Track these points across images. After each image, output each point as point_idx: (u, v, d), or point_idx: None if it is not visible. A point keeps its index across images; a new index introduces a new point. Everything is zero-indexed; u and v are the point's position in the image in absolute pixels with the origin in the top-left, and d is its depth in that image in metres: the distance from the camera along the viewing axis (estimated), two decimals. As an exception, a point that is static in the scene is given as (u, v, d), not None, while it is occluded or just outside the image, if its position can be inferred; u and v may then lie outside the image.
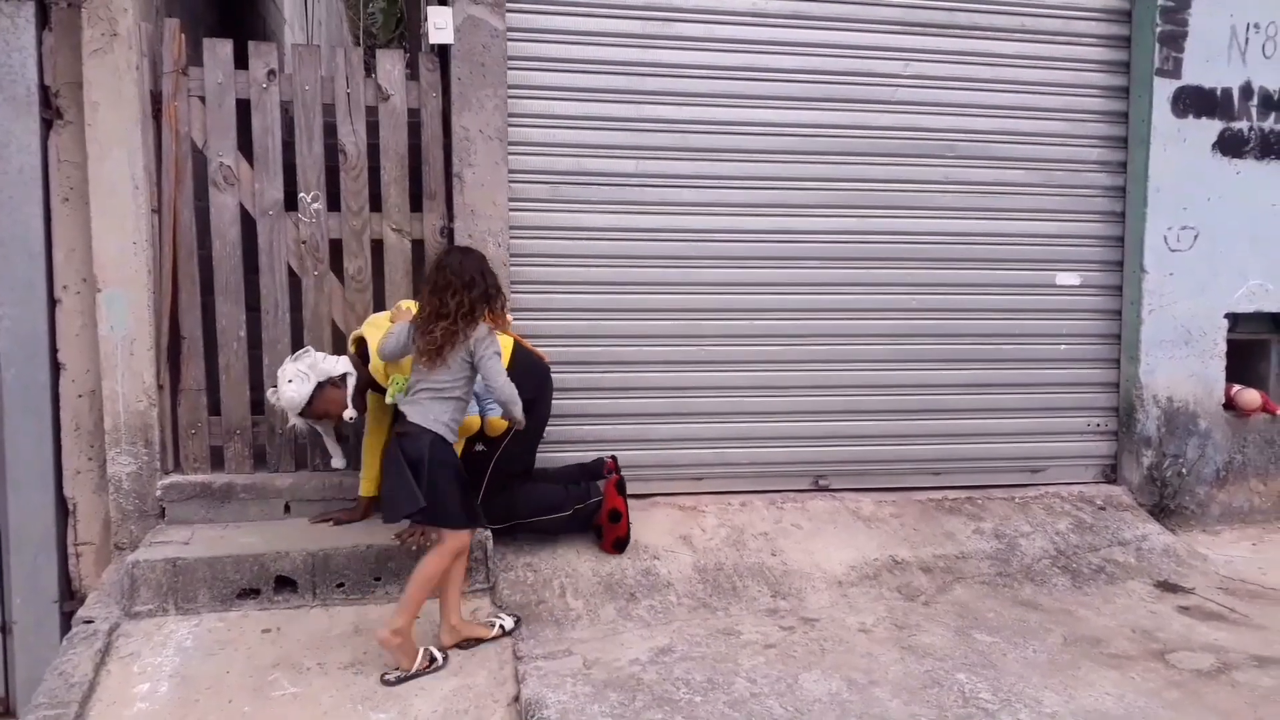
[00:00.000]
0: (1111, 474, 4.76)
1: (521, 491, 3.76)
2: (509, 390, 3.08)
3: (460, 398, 3.09)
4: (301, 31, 9.43)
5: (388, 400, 3.39)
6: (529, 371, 3.74)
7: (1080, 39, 4.61)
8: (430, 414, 3.02)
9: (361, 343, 3.51)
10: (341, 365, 3.44)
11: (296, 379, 3.34)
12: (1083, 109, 4.62)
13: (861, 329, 4.49)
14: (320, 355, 3.46)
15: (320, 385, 3.36)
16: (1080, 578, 3.94)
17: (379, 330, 3.47)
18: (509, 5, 4.07)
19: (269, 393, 3.54)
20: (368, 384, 3.50)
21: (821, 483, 4.50)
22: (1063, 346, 4.69)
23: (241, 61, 3.87)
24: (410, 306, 3.38)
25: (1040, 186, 4.61)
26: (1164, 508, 4.58)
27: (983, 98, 4.52)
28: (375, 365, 3.40)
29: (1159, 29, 4.49)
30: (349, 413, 3.42)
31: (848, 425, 4.51)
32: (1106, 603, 3.71)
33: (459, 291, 2.97)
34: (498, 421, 3.55)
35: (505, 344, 3.67)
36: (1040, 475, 4.70)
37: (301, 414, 3.40)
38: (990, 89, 4.53)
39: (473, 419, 3.49)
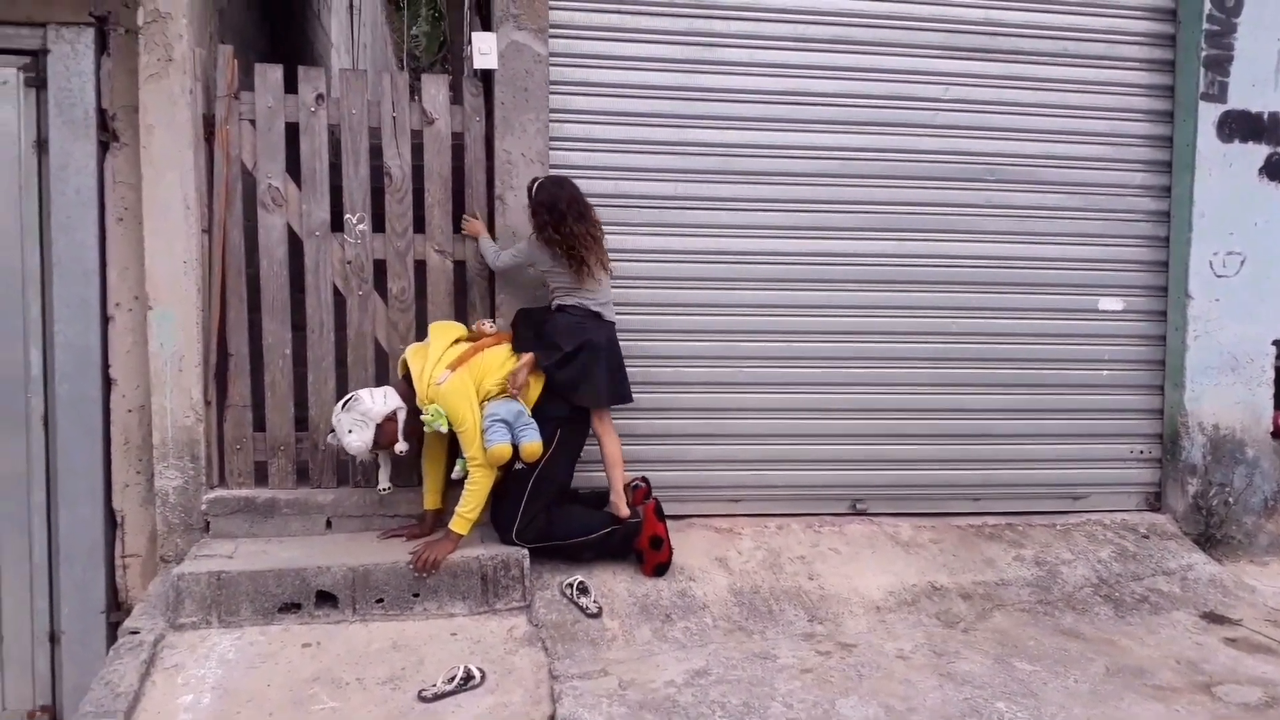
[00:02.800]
0: (1155, 502, 4.68)
1: (558, 512, 3.78)
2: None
3: None
4: (347, 55, 9.63)
5: (426, 429, 3.53)
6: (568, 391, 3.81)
7: (1124, 63, 4.58)
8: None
9: (406, 368, 3.64)
10: (390, 400, 3.60)
11: (356, 428, 3.53)
12: (1126, 133, 4.59)
13: (901, 352, 4.48)
14: (368, 396, 3.59)
15: (378, 426, 3.54)
16: (1123, 607, 3.87)
17: (422, 359, 3.59)
18: (552, 31, 4.13)
19: (329, 437, 3.71)
20: (414, 410, 3.61)
21: (859, 507, 4.47)
22: (1105, 372, 4.64)
23: (291, 86, 3.96)
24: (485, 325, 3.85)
25: (1083, 211, 4.57)
26: (1210, 537, 4.50)
27: (1024, 122, 4.51)
28: (421, 395, 3.53)
29: (1204, 53, 4.45)
30: (400, 446, 3.61)
31: (887, 449, 4.48)
32: (1150, 633, 3.65)
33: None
34: (533, 447, 3.59)
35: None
36: (1082, 502, 4.64)
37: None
38: (1032, 113, 4.51)
39: (502, 448, 3.53)
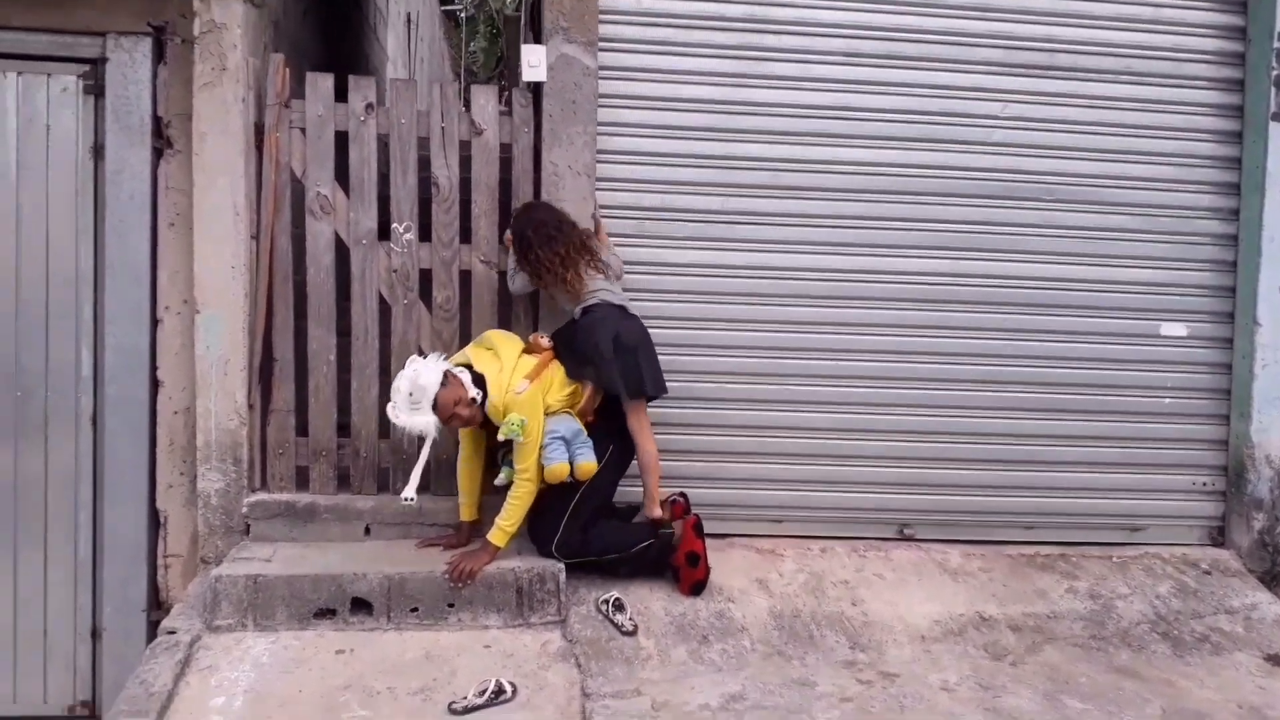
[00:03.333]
0: (1218, 537, 4.49)
1: (597, 528, 3.73)
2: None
3: None
4: (404, 68, 9.75)
5: (501, 437, 3.47)
6: (619, 409, 3.76)
7: (1191, 81, 4.43)
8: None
9: (481, 380, 3.51)
10: (435, 365, 3.41)
11: (415, 411, 3.32)
12: (1192, 153, 4.44)
13: (953, 374, 4.36)
14: (406, 383, 3.34)
15: (435, 407, 3.34)
16: (1182, 646, 3.71)
17: (493, 365, 3.55)
18: (601, 44, 4.11)
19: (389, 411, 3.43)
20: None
21: (906, 532, 4.36)
22: (1167, 400, 4.47)
23: (341, 95, 3.99)
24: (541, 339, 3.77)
25: (1145, 232, 4.42)
26: (1276, 575, 4.29)
27: (1084, 140, 4.38)
28: (495, 400, 3.47)
29: (1275, 72, 4.29)
30: (473, 392, 3.43)
31: (936, 473, 4.36)
32: (1211, 674, 3.48)
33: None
34: (589, 466, 3.55)
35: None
36: (1140, 534, 4.47)
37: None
38: (1093, 132, 4.39)
39: (561, 466, 3.50)
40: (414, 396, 3.32)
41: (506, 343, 3.69)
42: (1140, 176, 4.42)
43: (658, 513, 3.76)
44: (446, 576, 3.49)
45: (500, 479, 3.69)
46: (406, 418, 3.33)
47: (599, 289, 3.77)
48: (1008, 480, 4.40)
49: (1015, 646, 3.61)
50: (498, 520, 3.56)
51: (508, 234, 3.98)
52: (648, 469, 3.74)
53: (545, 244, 3.69)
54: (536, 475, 3.52)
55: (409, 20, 10.78)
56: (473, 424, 3.53)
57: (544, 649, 3.36)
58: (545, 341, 3.77)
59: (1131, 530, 4.47)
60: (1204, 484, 4.50)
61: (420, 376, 3.33)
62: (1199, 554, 4.40)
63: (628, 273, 4.09)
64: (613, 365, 3.62)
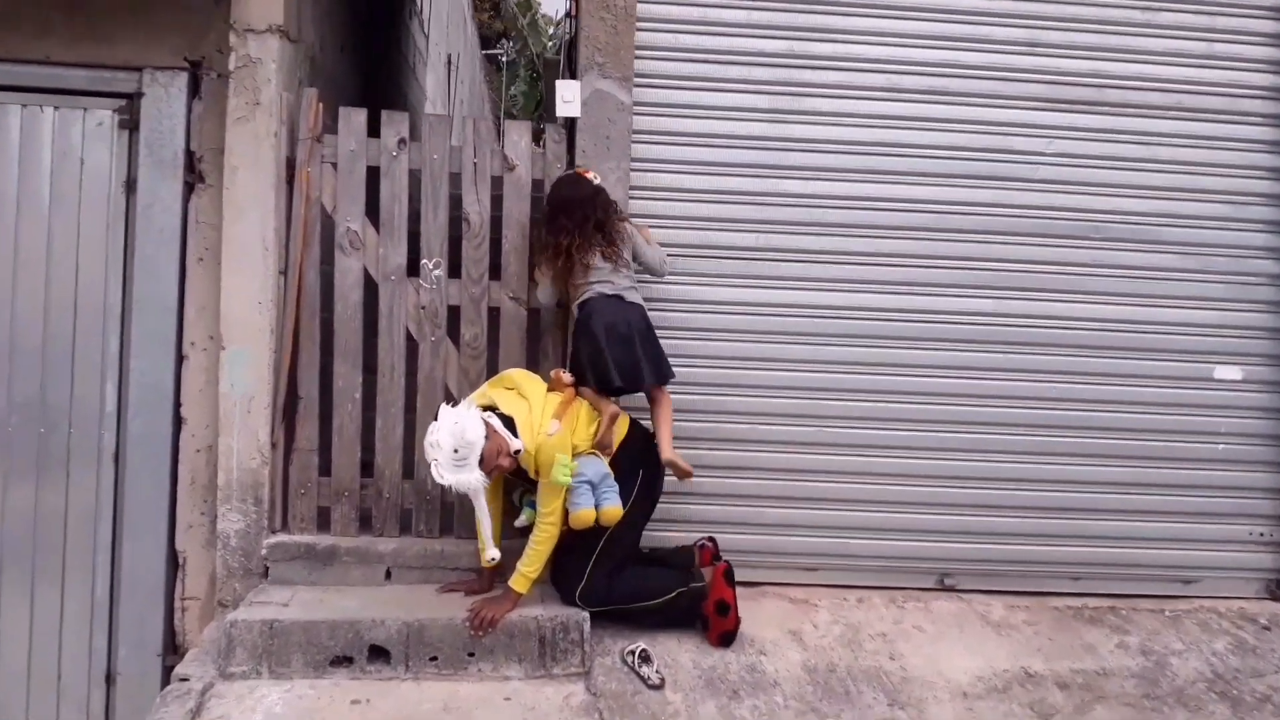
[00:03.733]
0: (1277, 590, 4.28)
1: (623, 575, 3.59)
2: (658, 254, 3.90)
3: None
4: (443, 109, 9.81)
5: (550, 481, 3.33)
6: (645, 448, 3.65)
7: (1245, 118, 4.28)
8: (635, 294, 3.68)
9: (510, 421, 3.38)
10: (475, 415, 3.27)
11: (460, 469, 3.17)
12: (1248, 191, 4.28)
13: (996, 417, 4.20)
14: (449, 436, 3.15)
15: (480, 461, 3.22)
16: (1242, 707, 3.49)
17: (521, 406, 3.42)
18: (636, 80, 4.06)
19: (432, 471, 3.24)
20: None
21: (947, 582, 4.18)
22: (1221, 446, 4.28)
23: (374, 130, 3.95)
24: (563, 375, 3.62)
25: (1198, 272, 4.26)
26: (1342, 634, 4.08)
27: (1134, 178, 4.24)
28: (527, 444, 3.33)
29: (1333, 108, 4.14)
30: (516, 444, 3.30)
31: (978, 520, 4.19)
32: (1275, 741, 3.28)
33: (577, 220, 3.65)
34: (614, 511, 3.42)
35: (623, 422, 3.61)
36: (1193, 587, 4.27)
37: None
38: (1142, 168, 4.25)
39: (587, 512, 3.37)
40: (460, 453, 3.15)
41: (529, 382, 3.58)
42: (1191, 215, 4.27)
43: (667, 454, 3.59)
44: (467, 624, 3.37)
45: (521, 520, 3.57)
46: (453, 476, 3.16)
47: (593, 282, 3.65)
48: (1053, 529, 4.22)
49: (1064, 705, 3.42)
50: (519, 566, 3.44)
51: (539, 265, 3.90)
52: (660, 422, 3.67)
53: (548, 226, 3.72)
54: (560, 520, 3.40)
55: (449, 62, 10.87)
56: (509, 472, 3.42)
57: (566, 702, 3.22)
58: (567, 377, 3.64)
59: (1184, 583, 4.27)
60: (1262, 534, 4.29)
61: (467, 432, 3.17)
62: (1257, 608, 4.19)
63: (661, 310, 4.00)
64: (606, 356, 3.51)
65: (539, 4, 17.51)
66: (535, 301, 4.00)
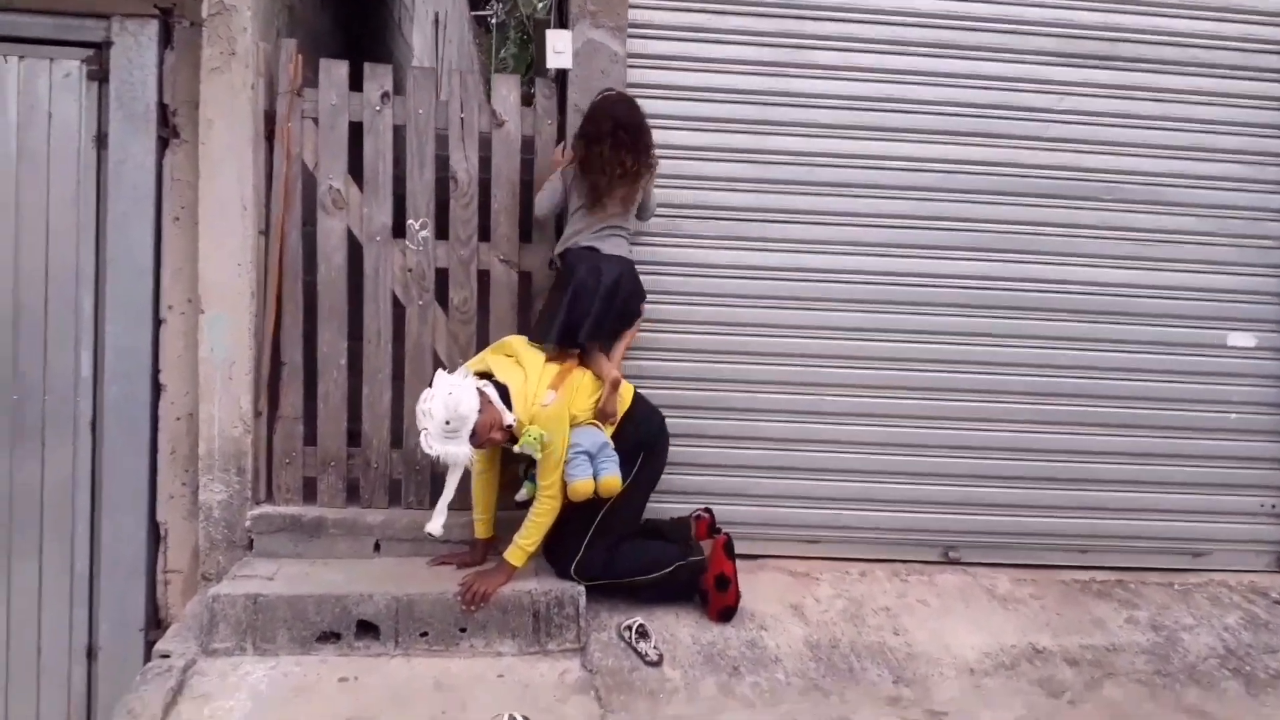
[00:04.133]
0: (1289, 563, 4.19)
1: (620, 548, 3.47)
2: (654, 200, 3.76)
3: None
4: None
5: (518, 449, 3.21)
6: (648, 418, 3.53)
7: (1262, 74, 4.13)
8: (622, 248, 3.55)
9: (504, 390, 3.22)
10: (470, 384, 3.11)
11: (450, 440, 3.03)
12: (1265, 150, 4.13)
13: (1002, 385, 4.07)
14: (441, 407, 3.00)
15: (472, 435, 3.06)
16: (1255, 684, 3.41)
17: (517, 374, 3.27)
18: (631, 30, 3.88)
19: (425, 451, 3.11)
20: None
21: (952, 554, 4.07)
22: (1234, 416, 4.16)
23: (357, 84, 3.77)
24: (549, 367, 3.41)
25: (1212, 235, 4.12)
26: (1354, 606, 3.99)
27: (1147, 136, 4.09)
28: (521, 414, 3.18)
29: (1356, 63, 3.99)
30: (509, 418, 3.15)
31: (984, 492, 4.08)
32: (1289, 717, 3.19)
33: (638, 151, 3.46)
34: (613, 482, 3.28)
35: (626, 391, 3.47)
36: (1203, 560, 4.17)
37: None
38: (1156, 127, 4.09)
39: (585, 483, 3.23)
40: (451, 425, 3.00)
41: (528, 350, 3.43)
42: (1207, 175, 4.12)
43: (614, 373, 3.44)
44: (458, 599, 3.25)
45: (522, 494, 3.45)
46: (441, 447, 3.01)
47: (573, 232, 3.55)
48: (1060, 500, 4.11)
49: (1073, 682, 3.33)
50: (516, 538, 3.31)
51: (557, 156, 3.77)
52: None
53: (611, 141, 3.43)
54: (560, 492, 3.27)
55: (437, 20, 10.60)
56: (503, 445, 3.28)
57: (561, 679, 3.11)
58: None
59: (1194, 555, 4.17)
60: (1273, 506, 4.20)
61: (461, 405, 3.01)
62: (1268, 582, 4.10)
63: (656, 274, 3.85)
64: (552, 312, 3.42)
65: (530, -39, 17.14)
66: (527, 265, 3.86)
